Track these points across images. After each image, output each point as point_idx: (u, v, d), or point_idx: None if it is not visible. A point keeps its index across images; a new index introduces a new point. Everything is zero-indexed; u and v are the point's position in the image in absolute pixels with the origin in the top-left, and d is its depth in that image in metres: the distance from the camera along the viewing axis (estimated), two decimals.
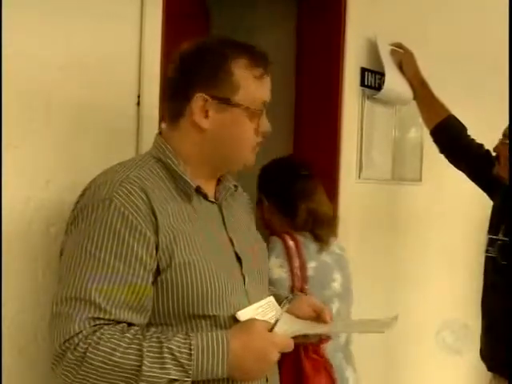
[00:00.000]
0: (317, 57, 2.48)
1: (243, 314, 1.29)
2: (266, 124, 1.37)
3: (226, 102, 1.31)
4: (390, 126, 2.65)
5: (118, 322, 1.20)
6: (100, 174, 1.32)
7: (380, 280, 2.61)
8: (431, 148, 2.60)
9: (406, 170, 2.75)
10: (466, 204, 2.97)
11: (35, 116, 1.43)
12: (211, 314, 1.27)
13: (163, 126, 1.41)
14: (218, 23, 2.67)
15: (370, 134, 2.53)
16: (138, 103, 1.64)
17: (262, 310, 1.34)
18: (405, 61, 2.54)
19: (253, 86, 1.33)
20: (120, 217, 1.21)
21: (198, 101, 1.31)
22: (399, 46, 2.54)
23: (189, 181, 1.32)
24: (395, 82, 2.51)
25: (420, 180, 2.83)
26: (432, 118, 2.55)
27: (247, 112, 1.33)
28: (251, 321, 1.27)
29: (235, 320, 1.29)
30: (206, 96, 1.31)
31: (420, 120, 2.66)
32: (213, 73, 1.31)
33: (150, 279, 1.23)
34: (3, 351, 1.39)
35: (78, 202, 1.30)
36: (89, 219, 1.22)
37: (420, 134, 2.77)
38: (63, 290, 1.20)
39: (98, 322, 1.18)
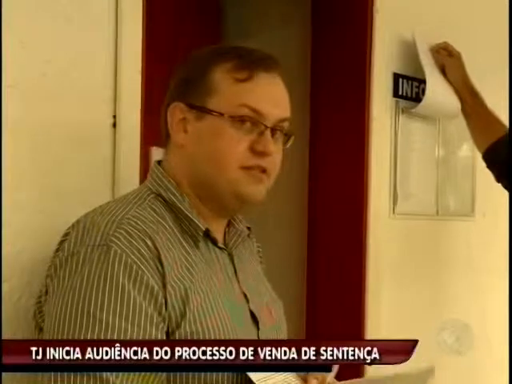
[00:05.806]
0: (337, 61, 2.30)
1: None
2: (263, 143, 1.24)
3: (200, 109, 1.24)
4: (433, 146, 2.45)
5: None
6: (87, 214, 1.21)
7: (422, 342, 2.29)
8: (486, 173, 2.30)
9: (454, 201, 2.54)
10: None
11: None
12: None
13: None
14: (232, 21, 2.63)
15: (407, 158, 2.36)
16: (114, 125, 1.54)
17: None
18: (450, 64, 2.31)
19: (233, 89, 1.24)
20: (122, 266, 1.12)
21: (175, 112, 1.25)
22: (444, 46, 2.32)
23: (197, 222, 1.23)
24: (438, 91, 2.29)
25: (472, 214, 2.59)
26: (484, 137, 2.28)
27: (226, 120, 1.22)
28: None
29: None
30: (182, 105, 1.25)
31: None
32: (190, 79, 1.26)
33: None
34: None
35: (59, 249, 1.19)
36: (81, 271, 1.12)
37: (471, 155, 2.54)
38: None
39: None
